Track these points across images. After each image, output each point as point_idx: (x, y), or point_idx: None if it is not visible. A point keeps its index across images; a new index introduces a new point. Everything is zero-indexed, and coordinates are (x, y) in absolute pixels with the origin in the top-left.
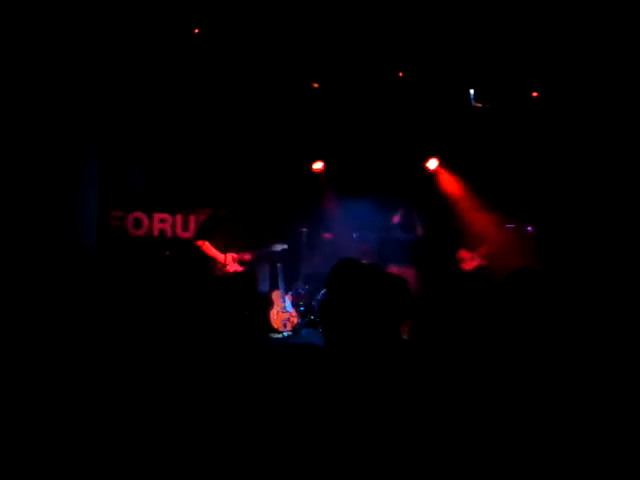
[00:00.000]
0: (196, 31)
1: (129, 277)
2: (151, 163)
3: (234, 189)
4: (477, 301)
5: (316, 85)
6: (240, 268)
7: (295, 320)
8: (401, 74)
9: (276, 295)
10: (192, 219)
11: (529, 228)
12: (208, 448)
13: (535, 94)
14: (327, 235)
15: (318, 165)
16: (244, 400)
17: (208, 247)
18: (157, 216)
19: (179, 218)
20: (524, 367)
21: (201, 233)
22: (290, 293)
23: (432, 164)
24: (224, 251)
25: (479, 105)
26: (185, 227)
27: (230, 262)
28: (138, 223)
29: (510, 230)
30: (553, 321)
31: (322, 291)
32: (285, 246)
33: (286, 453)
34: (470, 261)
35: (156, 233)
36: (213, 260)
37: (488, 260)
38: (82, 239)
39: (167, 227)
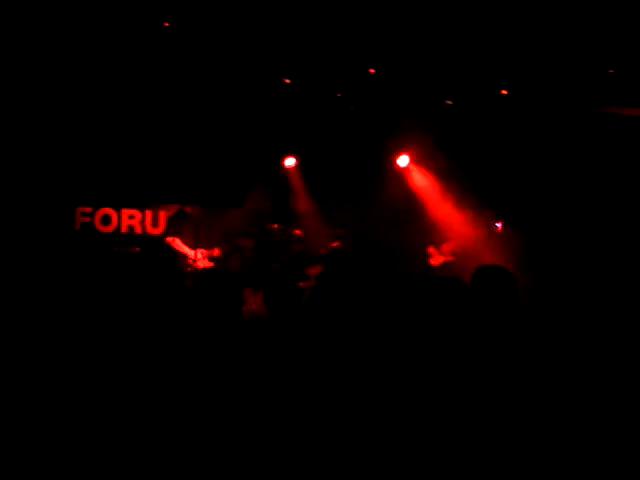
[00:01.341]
0: (166, 24)
1: (98, 275)
2: (120, 158)
3: (204, 184)
4: (441, 298)
5: (288, 81)
6: (210, 264)
7: (266, 317)
8: (372, 71)
9: (248, 292)
10: (162, 215)
11: (498, 225)
12: (183, 434)
13: (504, 92)
14: (298, 231)
15: (290, 161)
16: (217, 391)
17: (178, 243)
18: (126, 212)
19: (149, 214)
20: (490, 363)
21: (170, 229)
22: (262, 290)
23: (403, 161)
24: (194, 247)
25: (450, 102)
26: (155, 223)
27: (200, 258)
28: (107, 219)
29: (479, 227)
30: (518, 318)
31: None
32: (252, 241)
33: (260, 439)
34: (437, 257)
35: (125, 230)
36: (183, 256)
37: (455, 256)
38: (49, 235)
39: (136, 223)
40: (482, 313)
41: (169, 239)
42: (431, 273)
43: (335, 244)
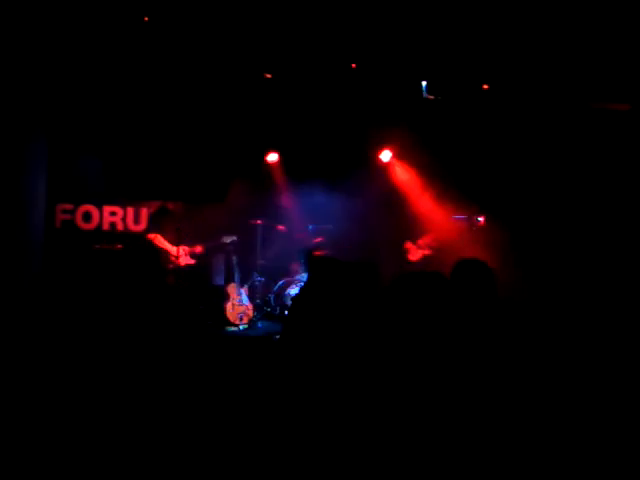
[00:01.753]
0: (146, 19)
1: (80, 273)
2: (102, 153)
3: (186, 181)
4: (422, 292)
5: (269, 75)
6: (192, 261)
7: (251, 313)
8: (354, 65)
9: (232, 288)
10: (144, 212)
11: (480, 219)
12: (157, 437)
13: (486, 87)
14: (281, 227)
15: (272, 157)
16: (199, 391)
17: (160, 240)
18: (107, 209)
19: (130, 211)
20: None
21: (152, 226)
22: (246, 286)
23: (386, 156)
24: (176, 244)
25: (431, 97)
26: (137, 220)
27: (182, 255)
28: (88, 217)
29: (459, 221)
30: (498, 311)
31: (279, 283)
32: (234, 238)
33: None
34: (415, 252)
35: (106, 227)
36: (165, 253)
37: (433, 250)
38: (29, 233)
39: (118, 220)
40: (462, 307)
41: (151, 235)
42: (410, 269)
43: (318, 239)
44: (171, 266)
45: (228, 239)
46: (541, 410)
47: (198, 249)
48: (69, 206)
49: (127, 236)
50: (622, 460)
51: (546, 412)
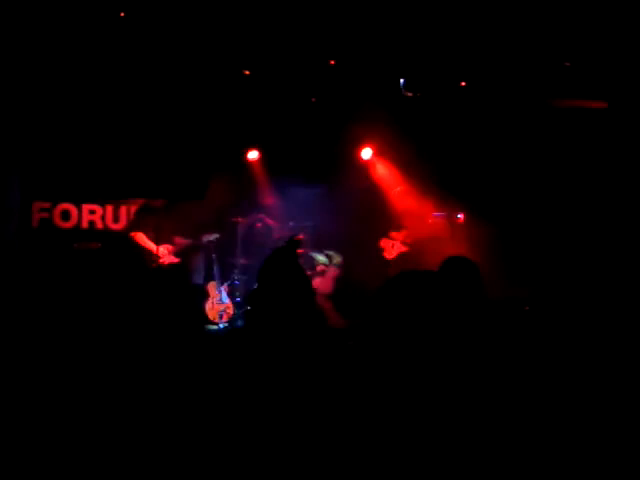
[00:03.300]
0: (122, 14)
1: (57, 273)
2: (79, 150)
3: (167, 178)
4: (408, 289)
5: (247, 72)
6: (175, 260)
7: (231, 311)
8: (332, 62)
9: (212, 286)
10: (123, 210)
11: (459, 216)
12: (138, 438)
13: (463, 83)
14: (259, 224)
15: (253, 154)
16: (179, 390)
17: (141, 238)
18: (86, 207)
19: (109, 209)
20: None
21: (134, 224)
22: (226, 284)
23: (366, 153)
24: (158, 242)
25: (409, 94)
26: (116, 219)
27: (164, 254)
28: (66, 215)
29: (439, 218)
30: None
31: None
32: (217, 235)
33: (220, 440)
34: (391, 249)
35: (85, 225)
36: (147, 252)
37: (409, 247)
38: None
39: (97, 219)
40: (451, 305)
41: (133, 233)
42: (388, 267)
43: (300, 237)
44: (153, 265)
45: (209, 237)
46: (534, 407)
47: (178, 246)
48: (47, 204)
49: (106, 234)
50: (620, 457)
51: (538, 408)
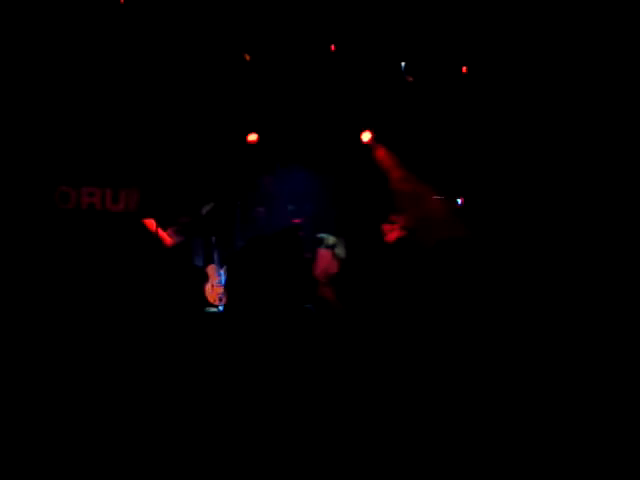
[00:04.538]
0: (122, 1)
1: (60, 253)
2: (79, 136)
3: (167, 163)
4: (405, 270)
5: (248, 57)
6: (180, 239)
7: None
8: (333, 47)
9: (211, 269)
10: (122, 193)
11: (459, 200)
12: (141, 416)
13: (464, 69)
14: (261, 208)
15: (252, 137)
16: (180, 371)
17: (152, 224)
18: (85, 190)
19: (108, 192)
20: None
21: (143, 210)
22: (225, 267)
23: (366, 136)
24: (165, 227)
25: (411, 79)
26: (115, 200)
27: (170, 236)
28: (65, 197)
29: (437, 201)
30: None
31: None
32: (212, 204)
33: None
34: (391, 233)
35: (84, 206)
36: (155, 237)
37: (409, 231)
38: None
39: (96, 200)
40: (445, 287)
41: (144, 220)
42: (388, 251)
43: (297, 220)
44: (158, 249)
45: (207, 207)
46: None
47: (182, 223)
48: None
49: (106, 216)
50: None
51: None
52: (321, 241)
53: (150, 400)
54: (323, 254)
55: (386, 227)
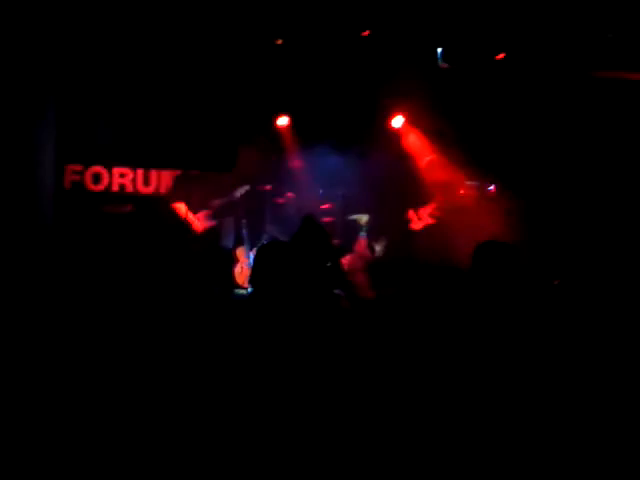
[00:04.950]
0: None
1: (90, 234)
2: (112, 114)
3: (199, 145)
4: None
5: (280, 42)
6: (211, 223)
7: None
8: (366, 33)
9: (240, 251)
10: (153, 174)
11: (491, 187)
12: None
13: (501, 56)
14: (290, 194)
15: (283, 120)
16: (209, 354)
17: (182, 209)
18: (117, 170)
19: (140, 172)
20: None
21: (176, 194)
22: (254, 249)
23: (398, 121)
24: (193, 211)
25: (446, 66)
26: (146, 182)
27: (201, 220)
28: (97, 178)
29: (470, 188)
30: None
31: None
32: (247, 187)
33: (245, 405)
34: (417, 221)
35: (115, 188)
36: (185, 222)
37: (436, 219)
38: (39, 195)
39: (127, 182)
40: (483, 296)
41: (174, 205)
42: (413, 238)
43: (327, 205)
44: (189, 235)
45: (241, 190)
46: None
47: (214, 207)
48: (78, 167)
49: (136, 198)
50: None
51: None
52: (354, 222)
53: (179, 382)
54: (360, 241)
55: (413, 214)
